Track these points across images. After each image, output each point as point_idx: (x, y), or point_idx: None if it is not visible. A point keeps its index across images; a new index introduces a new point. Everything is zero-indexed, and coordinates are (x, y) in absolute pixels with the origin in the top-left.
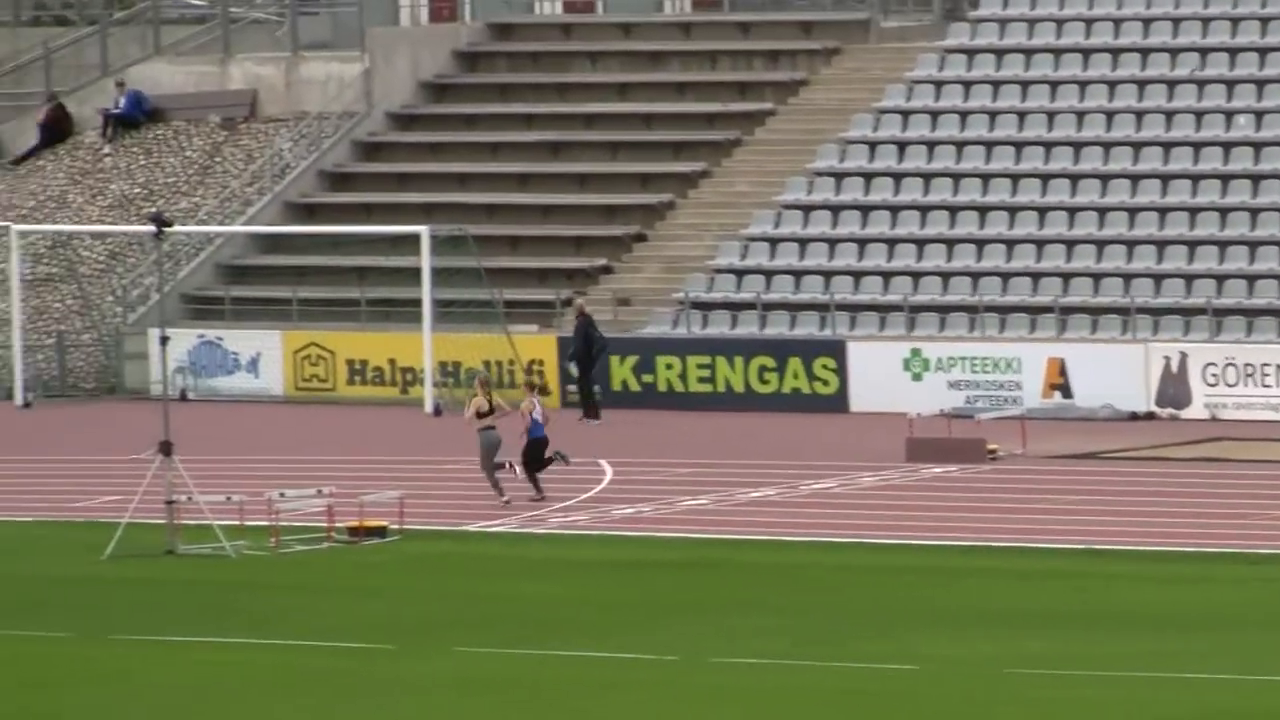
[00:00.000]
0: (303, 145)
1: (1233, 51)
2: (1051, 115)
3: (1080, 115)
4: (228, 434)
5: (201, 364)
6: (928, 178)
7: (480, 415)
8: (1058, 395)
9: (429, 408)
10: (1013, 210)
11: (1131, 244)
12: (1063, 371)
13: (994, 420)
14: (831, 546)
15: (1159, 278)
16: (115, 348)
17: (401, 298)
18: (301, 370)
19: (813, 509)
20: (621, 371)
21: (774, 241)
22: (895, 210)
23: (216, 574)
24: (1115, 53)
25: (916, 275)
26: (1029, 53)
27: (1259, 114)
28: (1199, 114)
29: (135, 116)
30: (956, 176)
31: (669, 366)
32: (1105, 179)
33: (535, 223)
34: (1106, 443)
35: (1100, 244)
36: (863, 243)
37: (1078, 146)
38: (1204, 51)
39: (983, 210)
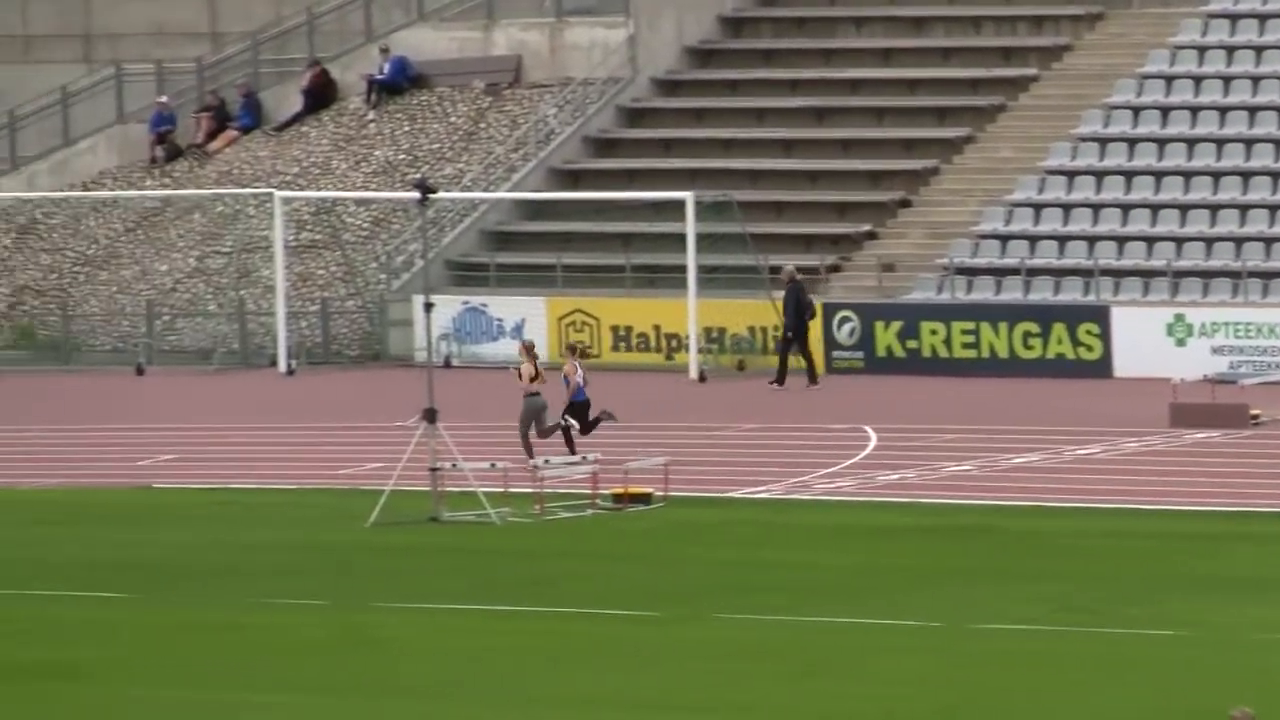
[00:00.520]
0: (567, 111)
1: None
2: None
3: None
4: (492, 401)
5: (466, 330)
6: (1191, 143)
7: (530, 380)
8: None
9: (693, 374)
10: (1276, 176)
11: None
12: None
13: (1258, 385)
14: (1094, 512)
15: None
16: (379, 314)
17: (666, 264)
18: (566, 336)
19: (1076, 474)
20: (886, 337)
21: (1038, 207)
22: (1159, 176)
23: (480, 541)
24: None
25: (1180, 240)
26: None
27: None
28: None
29: (399, 82)
30: (1220, 142)
31: (933, 332)
32: None
33: (800, 188)
34: None
35: None
36: (1126, 208)
37: None
38: None
39: (1246, 175)
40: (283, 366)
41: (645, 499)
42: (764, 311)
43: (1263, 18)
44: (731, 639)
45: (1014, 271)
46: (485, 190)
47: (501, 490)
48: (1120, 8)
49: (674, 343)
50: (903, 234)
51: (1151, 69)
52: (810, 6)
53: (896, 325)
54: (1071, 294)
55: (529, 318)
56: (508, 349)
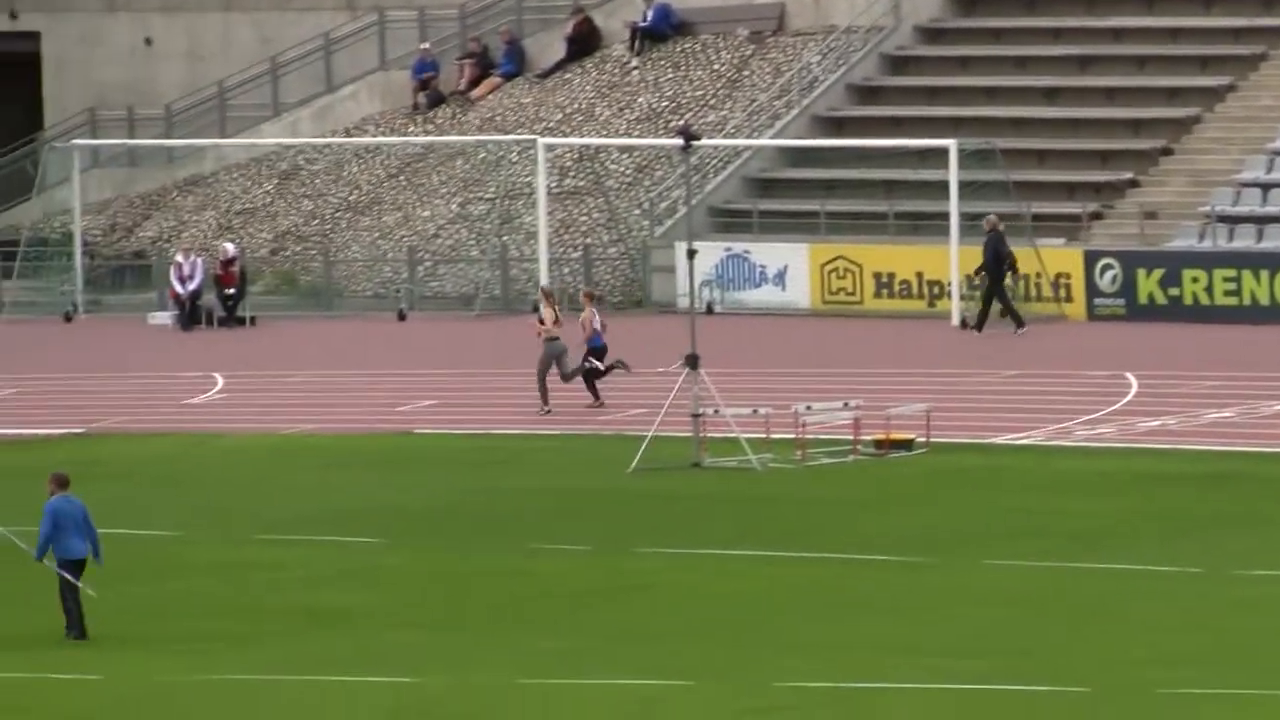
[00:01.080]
0: (830, 59)
1: None
2: None
3: None
4: (754, 347)
5: (728, 277)
6: None
7: (546, 324)
8: None
9: (955, 320)
10: None
11: None
12: None
13: None
14: None
15: None
16: (642, 261)
17: (929, 211)
18: (829, 283)
19: None
20: (1148, 285)
21: None
22: None
23: (742, 487)
24: None
25: None
26: None
27: None
28: None
29: (662, 30)
30: None
31: (1194, 280)
32: None
33: (1062, 137)
34: None
35: None
36: None
37: None
38: None
39: None
40: None
41: (907, 445)
42: (1027, 259)
43: None
44: (1001, 584)
45: (1276, 220)
46: (748, 137)
47: (763, 436)
48: None
49: (936, 290)
50: (1164, 182)
51: None
52: None
53: (1158, 273)
54: None
55: (791, 264)
56: (771, 295)
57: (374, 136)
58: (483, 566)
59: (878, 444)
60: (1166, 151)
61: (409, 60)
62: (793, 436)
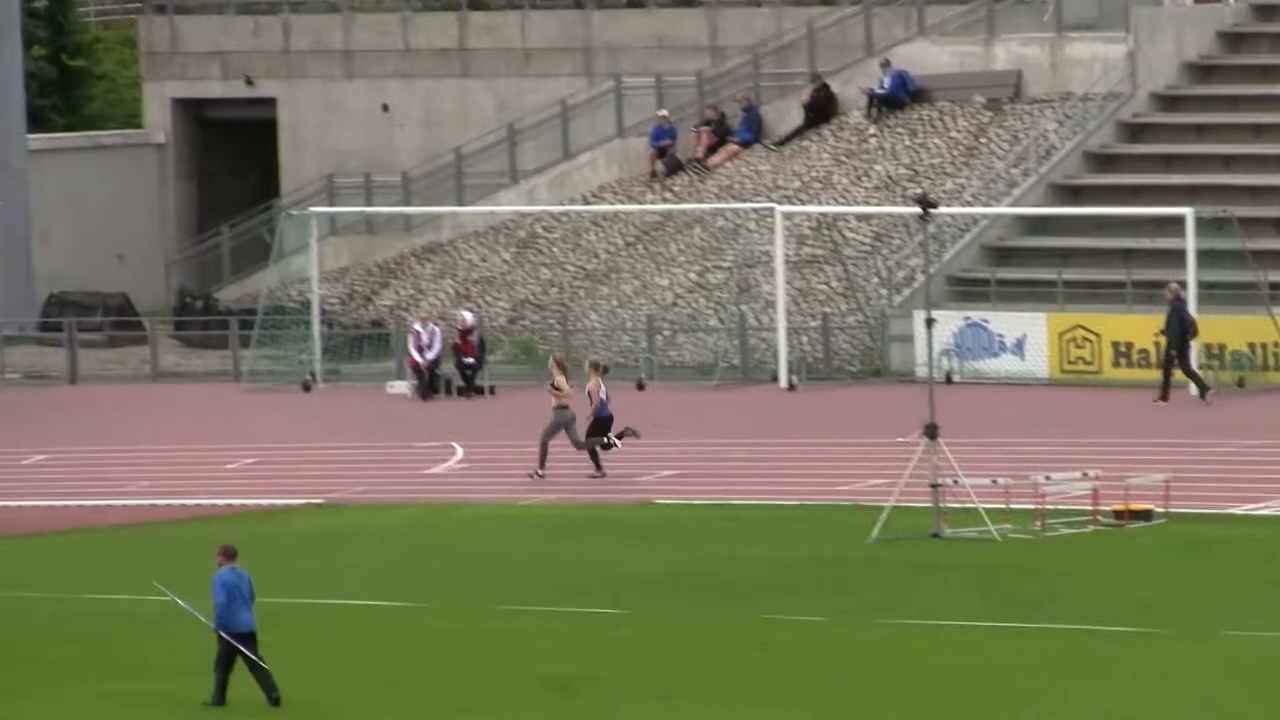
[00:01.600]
0: (1067, 126)
1: None
2: None
3: None
4: (992, 416)
5: (967, 346)
6: None
7: (563, 391)
8: None
9: (1193, 390)
10: None
11: None
12: None
13: None
14: None
15: None
16: (880, 330)
17: (1166, 279)
18: (1067, 352)
19: None
20: None
21: None
22: None
23: (982, 557)
24: None
25: None
26: None
27: None
28: None
29: (900, 97)
30: None
31: None
32: None
33: None
34: None
35: None
36: None
37: None
38: None
39: None
40: (783, 382)
41: (1146, 515)
42: (1264, 328)
43: None
44: (1240, 656)
45: None
46: (986, 205)
47: (1003, 506)
48: None
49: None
50: None
51: None
52: None
53: None
54: None
55: (1029, 333)
56: (1009, 364)
57: (612, 204)
58: (722, 635)
59: (1117, 514)
60: None
61: (646, 127)
62: (1032, 507)
